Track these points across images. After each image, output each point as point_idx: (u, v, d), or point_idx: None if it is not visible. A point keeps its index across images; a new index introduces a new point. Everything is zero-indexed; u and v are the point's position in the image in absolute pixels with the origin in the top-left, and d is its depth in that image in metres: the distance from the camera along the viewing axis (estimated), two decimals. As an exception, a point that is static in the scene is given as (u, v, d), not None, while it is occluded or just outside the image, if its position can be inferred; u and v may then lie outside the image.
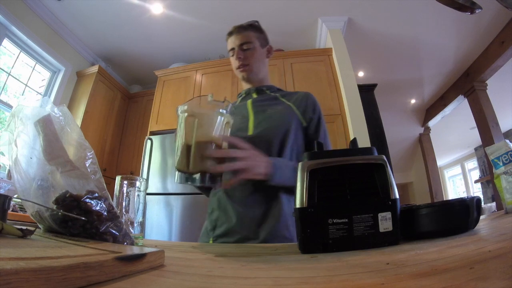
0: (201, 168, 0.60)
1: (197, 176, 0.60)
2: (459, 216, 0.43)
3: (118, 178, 0.62)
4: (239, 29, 0.97)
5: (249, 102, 0.95)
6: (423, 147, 5.45)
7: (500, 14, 2.73)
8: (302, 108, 0.92)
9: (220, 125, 0.64)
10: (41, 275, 0.18)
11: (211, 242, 0.81)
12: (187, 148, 0.61)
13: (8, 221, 0.43)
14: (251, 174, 0.67)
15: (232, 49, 0.98)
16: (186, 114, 0.62)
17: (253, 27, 0.99)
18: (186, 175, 0.61)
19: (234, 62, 0.99)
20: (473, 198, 0.43)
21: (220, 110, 0.63)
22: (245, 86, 1.03)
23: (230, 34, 0.98)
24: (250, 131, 0.87)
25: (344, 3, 2.69)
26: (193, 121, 0.61)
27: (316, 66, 2.71)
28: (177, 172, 0.63)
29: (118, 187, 0.61)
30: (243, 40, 0.96)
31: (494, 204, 4.58)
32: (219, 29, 2.94)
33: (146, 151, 2.48)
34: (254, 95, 0.99)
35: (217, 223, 0.82)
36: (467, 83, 3.68)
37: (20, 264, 0.18)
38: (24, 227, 0.37)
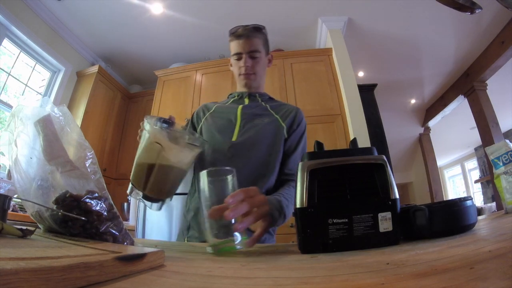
0: (158, 194, 0.58)
1: (154, 203, 0.58)
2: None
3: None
4: (249, 34, 0.91)
5: (239, 108, 0.94)
6: (423, 147, 5.44)
7: (500, 14, 2.73)
8: (289, 122, 0.92)
9: (190, 158, 0.61)
10: (41, 275, 0.18)
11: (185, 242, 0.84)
12: (148, 167, 0.57)
13: (8, 221, 0.43)
14: (258, 216, 0.53)
15: (239, 53, 0.92)
16: (151, 139, 0.57)
17: (261, 33, 0.94)
18: (142, 194, 0.58)
19: (238, 68, 0.94)
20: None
21: (194, 149, 0.60)
22: (239, 88, 1.01)
23: (239, 37, 0.91)
24: (235, 137, 0.88)
25: (344, 3, 2.69)
26: (160, 148, 0.56)
27: (316, 66, 2.71)
28: (130, 185, 0.60)
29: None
30: (253, 47, 0.91)
31: (494, 204, 4.58)
32: (219, 29, 2.94)
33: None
34: (246, 101, 0.98)
35: (192, 224, 0.85)
36: (467, 83, 3.68)
37: (20, 264, 0.18)
38: (24, 227, 0.37)
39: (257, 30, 0.93)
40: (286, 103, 1.00)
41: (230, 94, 1.05)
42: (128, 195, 0.61)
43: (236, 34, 0.92)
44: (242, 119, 0.91)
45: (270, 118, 0.92)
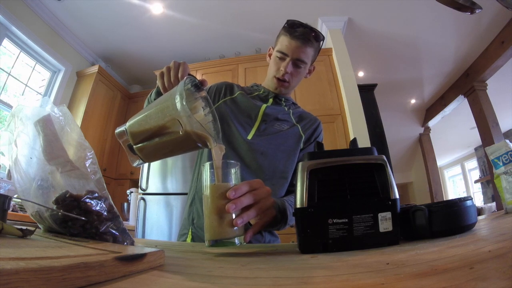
0: (146, 157, 0.53)
1: (135, 158, 0.53)
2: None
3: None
4: (306, 41, 0.83)
5: (263, 107, 0.90)
6: (423, 147, 5.45)
7: (500, 14, 2.73)
8: (309, 134, 0.90)
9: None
10: (41, 275, 0.18)
11: (189, 236, 0.80)
12: (153, 131, 0.50)
13: (8, 221, 0.43)
14: (260, 210, 0.50)
15: (285, 54, 0.86)
16: (176, 116, 0.47)
17: (318, 43, 0.88)
18: (130, 144, 0.53)
19: (277, 68, 0.88)
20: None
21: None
22: (267, 85, 0.96)
23: (294, 37, 0.83)
24: (250, 136, 0.85)
25: (344, 3, 2.70)
26: (179, 129, 0.47)
27: (316, 66, 2.71)
28: (123, 128, 0.55)
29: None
30: (303, 56, 0.85)
31: (494, 204, 4.58)
32: (219, 29, 2.94)
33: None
34: (271, 101, 0.94)
35: (196, 216, 0.82)
36: (467, 83, 3.68)
37: (20, 264, 0.18)
38: (24, 227, 0.37)
39: (316, 39, 0.86)
40: (308, 112, 0.98)
41: (256, 85, 1.00)
42: (115, 134, 0.55)
43: (293, 33, 0.84)
44: (262, 119, 0.87)
45: (291, 125, 0.89)
